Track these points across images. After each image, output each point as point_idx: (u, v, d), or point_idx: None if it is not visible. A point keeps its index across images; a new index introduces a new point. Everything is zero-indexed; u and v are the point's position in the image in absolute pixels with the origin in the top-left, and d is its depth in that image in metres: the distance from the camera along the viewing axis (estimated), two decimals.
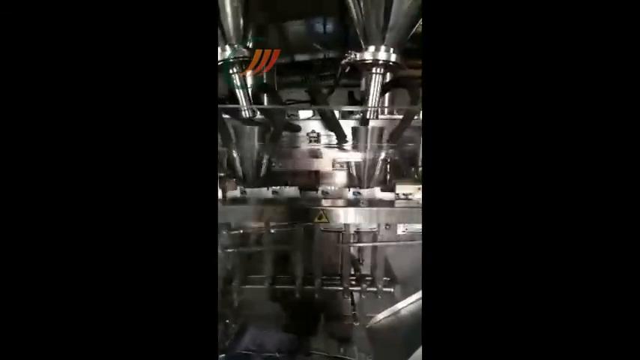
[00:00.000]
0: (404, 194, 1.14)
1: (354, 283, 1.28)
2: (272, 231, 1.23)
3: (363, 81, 1.24)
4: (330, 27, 1.75)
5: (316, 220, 1.06)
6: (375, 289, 1.24)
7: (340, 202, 1.15)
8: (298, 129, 1.34)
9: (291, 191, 1.20)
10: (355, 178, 1.22)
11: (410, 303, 1.25)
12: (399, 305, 1.28)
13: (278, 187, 1.19)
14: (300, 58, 1.98)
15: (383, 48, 1.05)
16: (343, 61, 1.11)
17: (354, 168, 1.20)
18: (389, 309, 1.30)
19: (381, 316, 1.30)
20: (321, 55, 1.87)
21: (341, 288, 1.22)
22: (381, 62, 1.07)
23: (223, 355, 1.41)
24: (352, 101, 1.64)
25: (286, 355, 1.41)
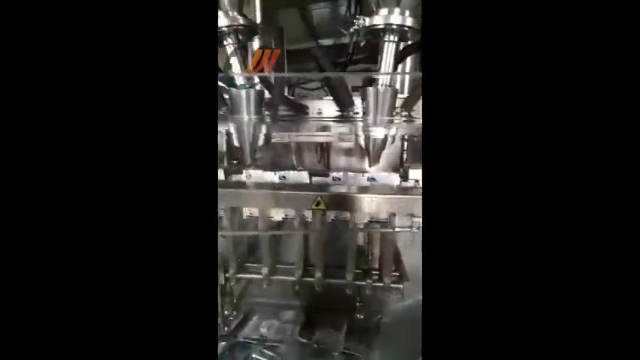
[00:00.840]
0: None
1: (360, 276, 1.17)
2: (274, 218, 1.14)
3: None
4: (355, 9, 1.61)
5: (313, 206, 0.95)
6: (382, 284, 1.12)
7: (353, 188, 1.04)
8: (306, 109, 1.23)
9: (300, 176, 1.11)
10: (365, 156, 1.08)
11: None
12: (406, 301, 1.16)
13: (285, 172, 1.11)
14: (325, 43, 1.88)
15: (397, 11, 0.91)
16: (351, 29, 0.98)
17: (362, 140, 1.05)
18: (396, 305, 1.19)
19: (386, 311, 1.20)
20: (346, 40, 1.73)
21: (344, 281, 1.11)
22: (394, 27, 0.93)
23: (224, 342, 1.38)
24: (368, 81, 1.50)
25: (287, 345, 1.35)
